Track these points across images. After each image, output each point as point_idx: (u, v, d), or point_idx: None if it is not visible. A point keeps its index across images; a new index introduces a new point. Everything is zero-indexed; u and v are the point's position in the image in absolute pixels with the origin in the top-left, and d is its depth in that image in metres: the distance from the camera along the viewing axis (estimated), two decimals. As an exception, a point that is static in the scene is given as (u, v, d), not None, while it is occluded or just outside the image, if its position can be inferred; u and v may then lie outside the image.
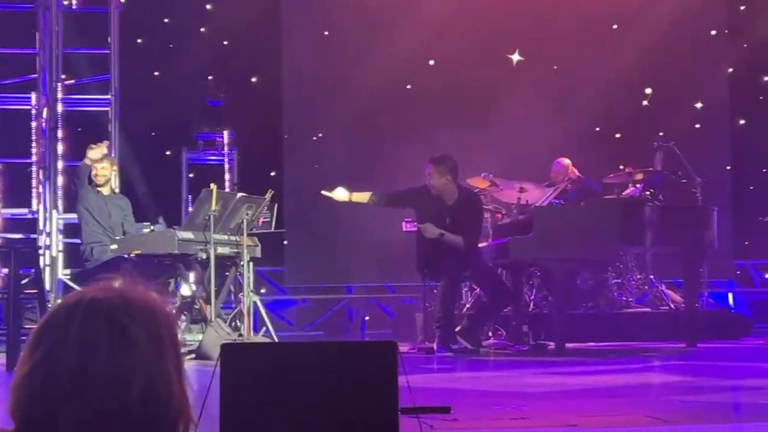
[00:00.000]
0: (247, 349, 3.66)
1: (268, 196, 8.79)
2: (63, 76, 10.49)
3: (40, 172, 10.32)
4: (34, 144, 10.39)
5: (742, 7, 12.27)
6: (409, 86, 11.77)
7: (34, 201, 10.33)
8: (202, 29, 11.75)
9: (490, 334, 9.16)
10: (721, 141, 12.07)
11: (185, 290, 8.90)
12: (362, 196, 8.93)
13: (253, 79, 11.91)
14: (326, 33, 11.73)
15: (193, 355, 7.89)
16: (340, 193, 8.85)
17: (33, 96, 10.42)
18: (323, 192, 8.97)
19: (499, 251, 8.55)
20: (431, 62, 11.87)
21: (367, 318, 11.34)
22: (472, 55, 11.68)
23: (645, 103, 11.84)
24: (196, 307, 8.76)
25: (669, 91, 11.91)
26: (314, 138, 11.65)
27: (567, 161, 10.14)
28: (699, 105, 11.87)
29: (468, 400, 5.25)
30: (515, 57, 11.77)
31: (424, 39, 11.50)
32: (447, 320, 8.37)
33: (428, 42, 11.56)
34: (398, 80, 11.68)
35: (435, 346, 8.32)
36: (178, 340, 1.84)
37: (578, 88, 11.53)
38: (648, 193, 9.57)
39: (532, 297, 9.67)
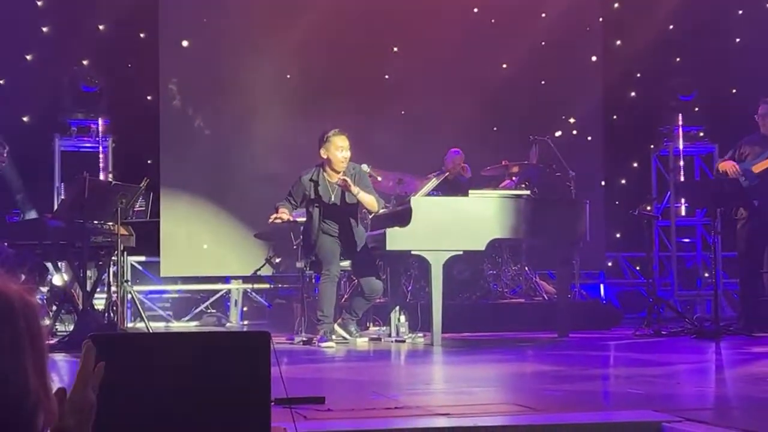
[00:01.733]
0: (115, 340, 3.59)
1: (143, 184, 8.66)
2: None
3: None
4: None
5: (616, 5, 12.53)
6: (288, 75, 11.71)
7: None
8: (77, 12, 11.48)
9: (369, 324, 9.20)
10: (595, 136, 12.33)
11: (57, 280, 8.76)
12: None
13: (130, 65, 11.72)
14: (205, 20, 11.60)
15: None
16: (285, 215, 8.64)
17: None
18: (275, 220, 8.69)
19: (377, 241, 8.57)
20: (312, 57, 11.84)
21: (245, 309, 11.29)
22: (358, 49, 11.70)
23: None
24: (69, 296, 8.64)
25: (548, 92, 12.09)
26: (192, 126, 11.52)
27: (461, 154, 10.32)
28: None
29: (343, 391, 5.25)
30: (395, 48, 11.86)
31: (307, 29, 11.47)
32: (327, 315, 8.37)
33: (312, 32, 11.51)
34: (280, 70, 11.62)
35: (316, 336, 8.31)
36: (41, 332, 1.78)
37: (464, 82, 11.69)
38: (523, 185, 9.74)
39: (410, 288, 9.75)
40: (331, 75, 11.63)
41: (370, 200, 8.45)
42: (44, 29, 11.32)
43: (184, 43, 11.55)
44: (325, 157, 8.48)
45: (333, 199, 8.52)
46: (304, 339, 8.60)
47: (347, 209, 8.56)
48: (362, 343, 8.59)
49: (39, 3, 11.30)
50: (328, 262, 8.44)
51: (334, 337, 8.36)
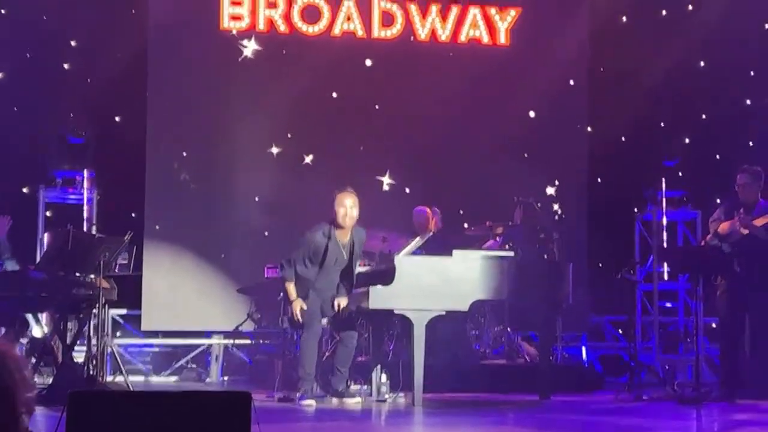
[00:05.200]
0: (96, 398, 3.55)
1: (127, 237, 8.62)
2: None
3: None
4: None
5: (602, 69, 12.62)
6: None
7: None
8: (66, 65, 11.51)
9: (349, 383, 9.13)
10: (579, 198, 12.34)
11: (36, 332, 8.68)
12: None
13: (117, 118, 11.71)
14: (192, 75, 11.60)
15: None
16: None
17: None
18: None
19: (359, 300, 8.53)
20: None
21: (225, 364, 11.19)
22: (345, 106, 11.76)
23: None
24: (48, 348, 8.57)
25: (532, 156, 12.10)
26: (178, 180, 11.50)
27: (428, 210, 10.25)
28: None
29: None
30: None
31: (299, 87, 11.51)
32: (309, 373, 8.32)
33: (303, 90, 11.56)
34: (269, 126, 11.62)
35: (298, 394, 8.25)
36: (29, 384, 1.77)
37: (449, 145, 11.74)
38: (507, 246, 9.72)
39: (392, 347, 9.69)
40: (320, 132, 11.66)
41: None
42: (33, 80, 11.31)
43: (172, 97, 11.55)
44: (338, 212, 8.48)
45: (338, 260, 8.53)
46: (282, 396, 8.54)
47: (344, 270, 8.61)
48: (341, 402, 8.48)
49: (27, 54, 11.31)
50: (312, 320, 8.40)
51: (316, 396, 8.32)
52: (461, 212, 11.24)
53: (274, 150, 11.58)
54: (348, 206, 8.47)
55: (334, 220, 8.50)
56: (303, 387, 8.20)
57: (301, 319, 8.44)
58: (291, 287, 8.54)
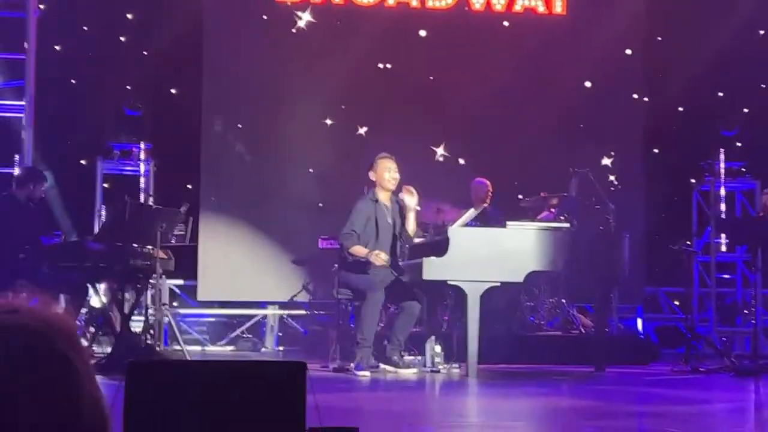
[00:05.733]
0: (155, 367, 3.60)
1: (184, 209, 8.70)
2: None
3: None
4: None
5: (659, 38, 12.47)
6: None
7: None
8: (122, 38, 11.60)
9: (403, 353, 9.16)
10: (635, 169, 12.23)
11: (95, 302, 8.79)
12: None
13: (173, 91, 11.79)
14: (248, 48, 11.65)
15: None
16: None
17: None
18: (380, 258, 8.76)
19: (414, 270, 8.55)
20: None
21: (280, 334, 11.28)
22: (399, 81, 11.74)
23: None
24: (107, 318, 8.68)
25: (589, 127, 12.02)
26: (234, 152, 11.57)
27: (488, 183, 10.23)
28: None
29: (377, 422, 5.22)
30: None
31: (351, 62, 11.51)
32: (367, 339, 8.37)
33: (356, 65, 11.56)
34: (323, 100, 11.64)
35: (353, 364, 8.29)
36: (88, 360, 1.77)
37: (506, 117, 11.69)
38: (562, 217, 9.68)
39: (446, 318, 9.70)
40: (373, 104, 11.66)
41: (413, 226, 8.70)
42: (90, 54, 11.42)
43: (227, 69, 11.61)
44: (373, 179, 8.68)
45: (389, 220, 8.71)
46: (337, 366, 8.59)
47: (394, 234, 8.74)
48: (408, 373, 8.48)
49: (85, 28, 11.40)
50: (374, 287, 8.45)
51: (371, 367, 8.36)
52: (516, 183, 11.16)
53: (328, 122, 11.59)
54: (393, 169, 8.70)
55: (377, 184, 8.68)
56: (360, 354, 8.24)
57: (387, 263, 8.58)
58: (359, 248, 8.63)
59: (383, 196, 8.76)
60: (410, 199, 8.72)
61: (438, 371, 8.58)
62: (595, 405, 6.32)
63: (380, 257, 8.52)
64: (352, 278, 8.76)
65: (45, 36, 10.78)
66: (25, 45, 10.41)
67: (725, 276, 12.13)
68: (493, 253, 8.36)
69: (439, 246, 8.43)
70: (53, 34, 11.07)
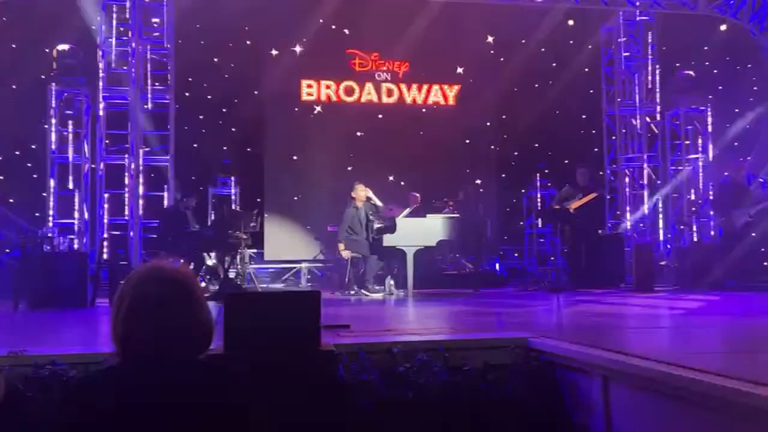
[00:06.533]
0: (241, 296, 3.60)
1: (255, 212, 8.65)
2: (144, 146, 10.13)
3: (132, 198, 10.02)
4: (126, 182, 10.06)
5: (503, 116, 12.41)
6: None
7: (127, 213, 9.99)
8: (220, 121, 11.36)
9: (373, 285, 9.14)
10: (492, 186, 12.14)
11: (209, 262, 8.74)
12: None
13: (248, 149, 11.58)
14: (287, 121, 11.52)
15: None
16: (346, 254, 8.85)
17: (126, 157, 10.05)
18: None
19: (379, 242, 8.56)
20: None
21: (308, 276, 11.21)
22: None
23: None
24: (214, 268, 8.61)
25: (468, 160, 11.94)
26: (285, 182, 11.33)
27: (416, 194, 10.23)
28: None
29: (359, 321, 5.22)
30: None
31: (337, 124, 11.35)
32: (370, 276, 8.52)
33: (340, 126, 11.40)
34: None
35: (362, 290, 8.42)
36: (202, 294, 1.78)
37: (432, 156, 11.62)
38: (454, 211, 9.63)
39: (396, 266, 9.60)
40: (357, 154, 11.57)
41: (379, 202, 8.95)
42: (203, 131, 11.20)
43: (278, 136, 11.45)
44: (354, 196, 8.78)
45: (363, 217, 8.78)
46: (339, 294, 8.57)
47: (367, 224, 8.83)
48: (376, 296, 8.44)
49: (200, 117, 11.21)
50: (369, 253, 8.63)
51: (365, 292, 8.43)
52: (431, 193, 11.01)
53: (331, 161, 11.43)
54: (362, 189, 8.81)
55: (356, 198, 8.72)
56: (361, 286, 8.48)
57: (348, 257, 8.64)
58: (341, 245, 8.71)
59: (359, 205, 8.76)
60: (364, 190, 8.79)
61: (392, 294, 8.59)
62: (473, 309, 6.34)
63: (342, 252, 8.71)
64: (355, 247, 8.78)
65: (180, 120, 10.47)
66: (168, 127, 10.15)
67: (541, 240, 12.17)
68: (419, 231, 8.39)
69: (391, 229, 8.46)
70: (188, 117, 10.77)
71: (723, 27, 11.52)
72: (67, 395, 1.65)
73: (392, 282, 8.80)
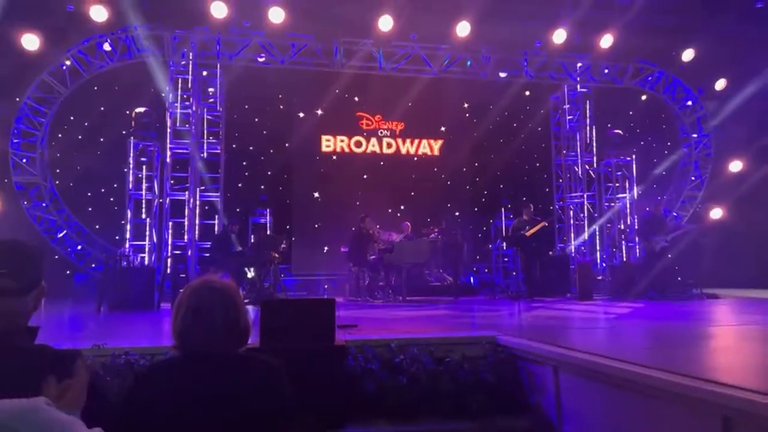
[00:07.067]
0: (274, 302, 3.58)
1: (284, 236, 8.65)
2: (200, 186, 10.04)
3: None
4: (186, 213, 10.03)
5: (476, 164, 12.40)
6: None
7: (186, 236, 9.95)
8: (258, 167, 11.40)
9: (376, 294, 9.09)
10: (468, 218, 12.05)
11: (249, 276, 8.67)
12: None
13: (280, 188, 11.45)
14: (309, 167, 11.50)
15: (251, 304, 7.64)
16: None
17: (186, 194, 10.00)
18: None
19: (380, 258, 8.52)
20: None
21: (326, 286, 11.09)
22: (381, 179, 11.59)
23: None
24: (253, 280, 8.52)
25: (449, 197, 11.85)
26: (310, 212, 11.25)
27: (408, 223, 10.18)
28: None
29: (365, 322, 5.16)
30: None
31: (350, 171, 11.25)
32: (372, 285, 8.42)
33: (352, 172, 11.32)
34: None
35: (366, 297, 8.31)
36: (242, 300, 1.79)
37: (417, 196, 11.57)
38: (439, 236, 9.57)
39: (393, 278, 9.53)
40: (364, 195, 11.43)
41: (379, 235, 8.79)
42: (246, 174, 11.16)
43: (302, 175, 11.37)
44: (363, 225, 8.74)
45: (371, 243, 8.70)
46: (349, 299, 8.47)
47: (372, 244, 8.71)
48: (378, 302, 8.35)
49: (244, 163, 11.18)
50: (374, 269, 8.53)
51: (371, 299, 8.29)
52: (419, 222, 11.01)
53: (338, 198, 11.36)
54: (368, 221, 8.78)
55: (365, 227, 8.65)
56: (368, 294, 8.34)
57: (356, 271, 8.55)
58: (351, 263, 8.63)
59: (368, 231, 8.71)
60: (372, 224, 8.71)
61: (391, 299, 8.51)
62: (453, 312, 6.28)
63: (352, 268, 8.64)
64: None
65: (230, 167, 10.44)
66: (219, 171, 10.17)
67: (505, 259, 12.01)
68: (411, 251, 8.37)
69: (391, 249, 8.43)
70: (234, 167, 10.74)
71: (644, 97, 11.97)
72: (136, 377, 1.66)
73: (391, 291, 8.73)
